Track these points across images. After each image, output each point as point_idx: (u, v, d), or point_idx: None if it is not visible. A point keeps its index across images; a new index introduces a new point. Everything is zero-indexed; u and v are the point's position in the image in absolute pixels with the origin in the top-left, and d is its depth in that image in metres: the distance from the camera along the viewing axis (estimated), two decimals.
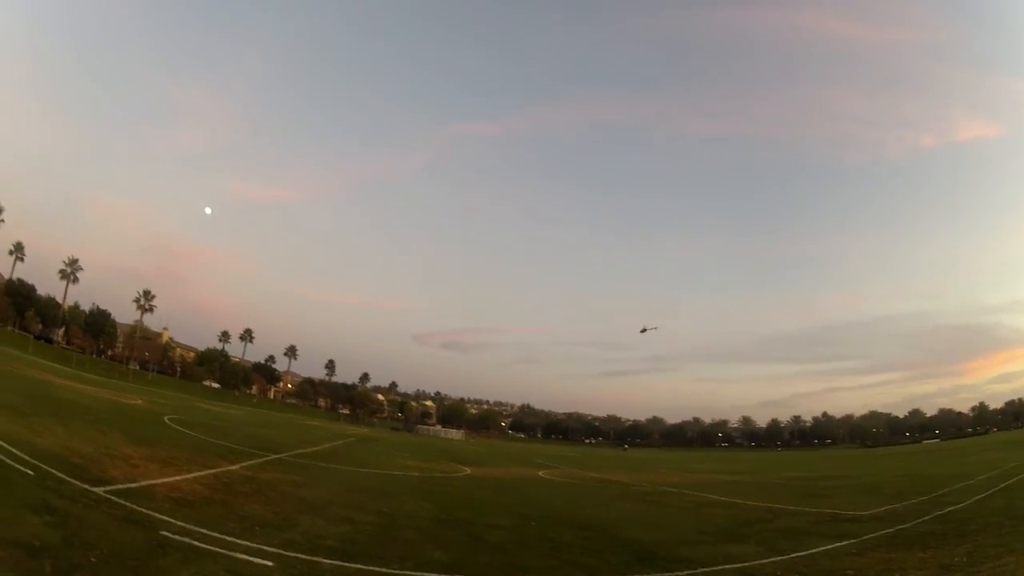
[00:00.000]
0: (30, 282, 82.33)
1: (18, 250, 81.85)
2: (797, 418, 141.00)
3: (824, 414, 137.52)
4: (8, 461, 11.86)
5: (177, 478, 14.56)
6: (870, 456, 68.75)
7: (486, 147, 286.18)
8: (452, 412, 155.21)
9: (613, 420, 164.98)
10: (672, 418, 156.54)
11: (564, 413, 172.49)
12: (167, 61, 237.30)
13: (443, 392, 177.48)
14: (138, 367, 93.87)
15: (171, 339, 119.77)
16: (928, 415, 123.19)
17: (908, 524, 15.30)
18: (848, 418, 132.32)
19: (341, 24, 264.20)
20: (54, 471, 11.88)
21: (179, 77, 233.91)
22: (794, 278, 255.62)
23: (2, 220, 75.99)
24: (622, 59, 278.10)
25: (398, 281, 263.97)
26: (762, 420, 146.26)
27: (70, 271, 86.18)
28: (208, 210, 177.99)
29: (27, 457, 12.48)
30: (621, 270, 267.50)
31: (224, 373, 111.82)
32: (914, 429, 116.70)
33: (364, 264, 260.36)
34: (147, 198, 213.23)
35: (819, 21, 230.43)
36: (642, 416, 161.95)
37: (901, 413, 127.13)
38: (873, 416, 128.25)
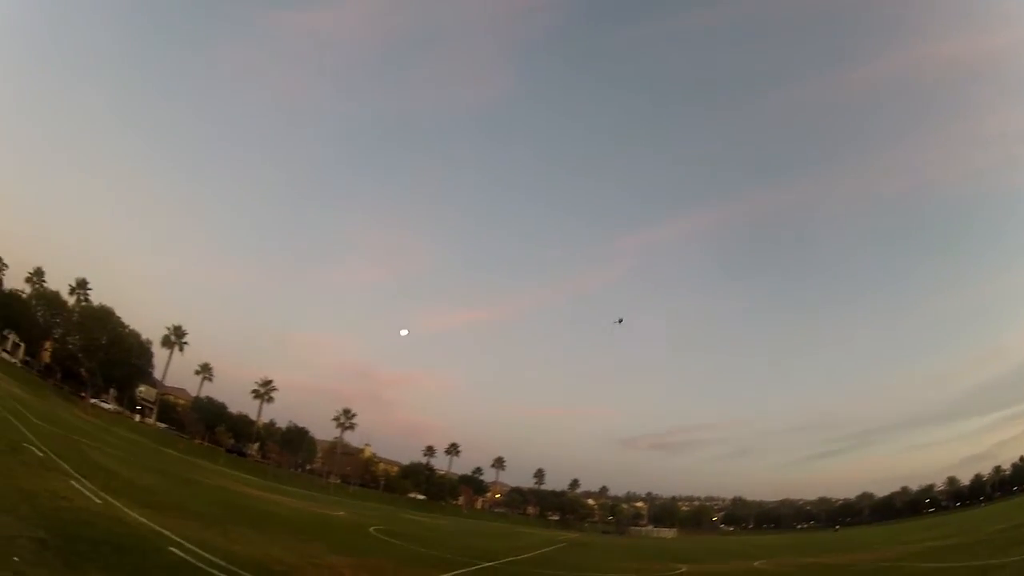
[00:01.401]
0: (220, 400, 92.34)
1: (205, 370, 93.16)
2: (998, 468, 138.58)
3: (1021, 458, 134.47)
4: (202, 566, 11.02)
5: None
6: None
7: (680, 247, 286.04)
8: (663, 511, 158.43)
9: (824, 502, 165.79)
10: (881, 491, 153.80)
11: (775, 501, 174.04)
12: (347, 204, 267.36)
13: (654, 492, 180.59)
14: (339, 481, 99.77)
15: (374, 455, 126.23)
16: None
17: None
18: None
19: (522, 151, 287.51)
20: None
21: (359, 217, 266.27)
22: (976, 323, 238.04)
23: (186, 343, 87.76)
24: (776, 144, 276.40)
25: (603, 389, 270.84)
26: (966, 477, 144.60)
27: (263, 391, 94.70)
28: (404, 332, 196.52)
29: (222, 562, 11.56)
30: (823, 353, 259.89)
31: (430, 485, 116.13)
32: None
33: (567, 375, 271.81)
34: (337, 328, 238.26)
35: (939, 49, 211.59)
36: (852, 494, 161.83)
37: None
38: None
